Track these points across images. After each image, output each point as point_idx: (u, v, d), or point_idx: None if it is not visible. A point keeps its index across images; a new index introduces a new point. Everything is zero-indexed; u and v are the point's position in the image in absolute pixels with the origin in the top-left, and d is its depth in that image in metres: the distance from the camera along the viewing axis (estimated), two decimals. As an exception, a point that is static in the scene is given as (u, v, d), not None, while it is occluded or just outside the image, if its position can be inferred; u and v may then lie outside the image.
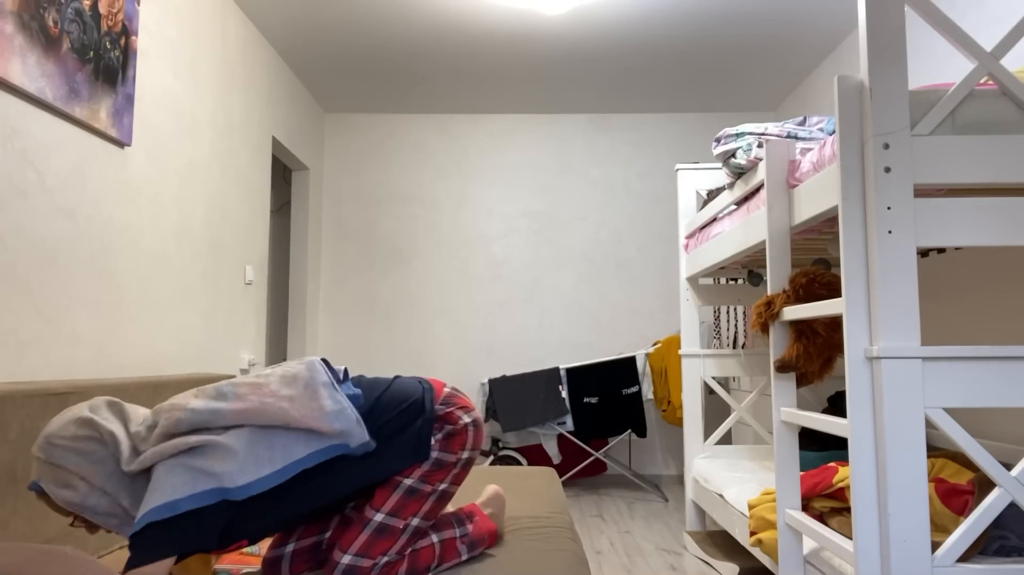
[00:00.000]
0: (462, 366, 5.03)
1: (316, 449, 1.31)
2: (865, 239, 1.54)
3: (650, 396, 4.42)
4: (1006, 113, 1.54)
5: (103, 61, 2.32)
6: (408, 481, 1.41)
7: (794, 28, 3.81)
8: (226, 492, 1.24)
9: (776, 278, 2.03)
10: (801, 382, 2.01)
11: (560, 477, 4.53)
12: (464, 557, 1.50)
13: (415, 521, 1.41)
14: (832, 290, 1.94)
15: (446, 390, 1.51)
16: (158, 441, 1.29)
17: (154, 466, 1.25)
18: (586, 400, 4.36)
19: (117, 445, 1.28)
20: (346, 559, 1.35)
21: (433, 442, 1.43)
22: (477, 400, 4.80)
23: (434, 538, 1.47)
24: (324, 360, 1.43)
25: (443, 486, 1.45)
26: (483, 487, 2.16)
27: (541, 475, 2.39)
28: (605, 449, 4.65)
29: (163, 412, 1.32)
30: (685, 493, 3.41)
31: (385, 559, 1.37)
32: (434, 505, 1.45)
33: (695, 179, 3.49)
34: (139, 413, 1.37)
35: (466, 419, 1.47)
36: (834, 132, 2.03)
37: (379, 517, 1.38)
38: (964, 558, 1.55)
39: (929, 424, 2.59)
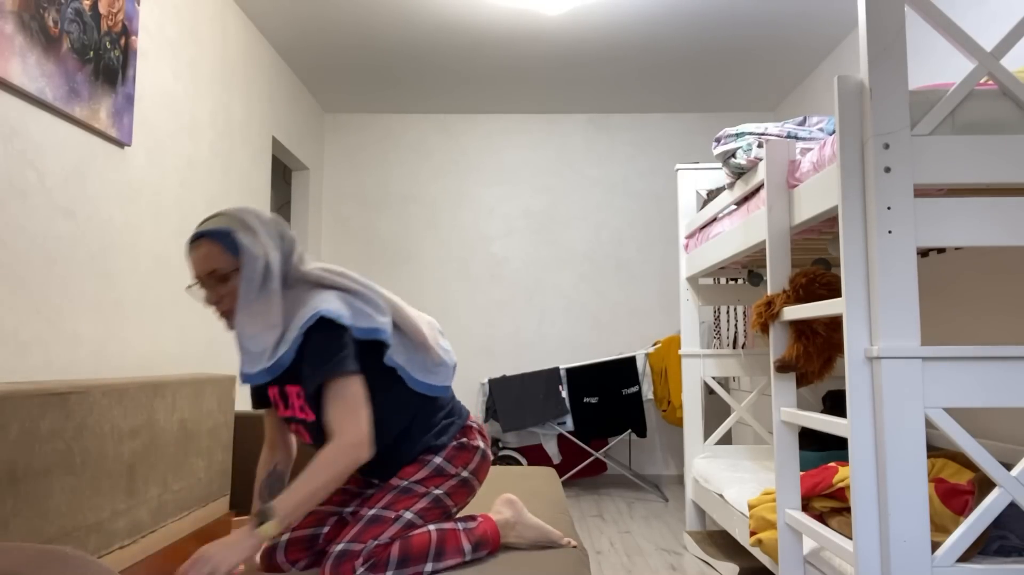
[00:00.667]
0: (462, 366, 5.03)
1: (424, 381, 1.51)
2: (865, 239, 1.54)
3: (650, 396, 4.42)
4: (1006, 113, 1.54)
5: (103, 61, 2.32)
6: (404, 482, 1.47)
7: (794, 28, 3.81)
8: (370, 332, 1.42)
9: (776, 278, 2.03)
10: (801, 382, 2.01)
11: (560, 477, 4.53)
12: (468, 553, 1.45)
13: (407, 514, 1.43)
14: (832, 290, 1.94)
15: (474, 423, 1.64)
16: (325, 272, 1.48)
17: (326, 287, 1.45)
18: (586, 400, 4.36)
19: (293, 246, 1.49)
20: (338, 547, 1.37)
21: (444, 450, 1.53)
22: (477, 400, 4.80)
23: (431, 527, 1.45)
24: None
25: (437, 491, 1.48)
26: (491, 497, 2.17)
27: (541, 475, 2.39)
28: (605, 449, 4.65)
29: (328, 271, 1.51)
30: (685, 493, 3.40)
31: (375, 543, 1.37)
32: (428, 505, 1.46)
33: (695, 179, 3.49)
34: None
35: (480, 444, 1.59)
36: (834, 132, 2.03)
37: (372, 512, 1.42)
38: (964, 558, 1.55)
39: (929, 424, 2.59)
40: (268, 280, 1.42)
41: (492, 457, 1.64)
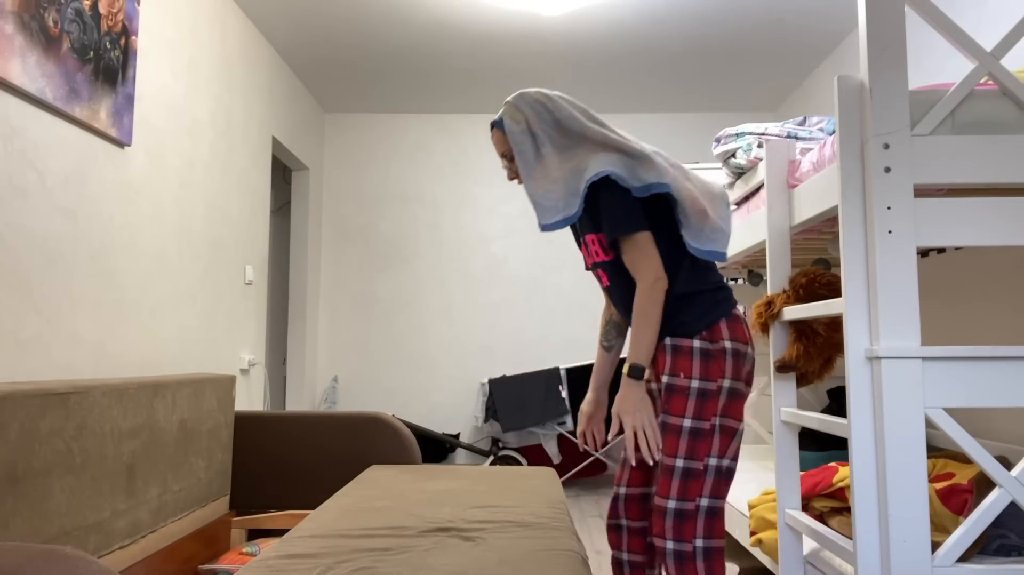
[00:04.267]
0: (462, 366, 5.03)
1: (697, 246, 1.59)
2: (865, 239, 1.54)
3: (650, 396, 4.41)
4: (1006, 113, 1.54)
5: (103, 61, 2.32)
6: (687, 421, 1.53)
7: (794, 28, 3.81)
8: (648, 188, 1.55)
9: (776, 278, 2.03)
10: (801, 382, 2.01)
11: (560, 477, 4.53)
12: None
13: (711, 460, 1.53)
14: (832, 290, 1.94)
15: (738, 312, 1.66)
16: (610, 133, 1.62)
17: (605, 148, 1.59)
18: (586, 400, 4.35)
19: (564, 110, 1.64)
20: (671, 504, 1.51)
21: (696, 363, 1.56)
22: (477, 400, 4.80)
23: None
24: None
25: (716, 420, 1.54)
26: (492, 496, 2.16)
27: (541, 475, 2.39)
28: (605, 449, 4.65)
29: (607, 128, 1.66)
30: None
31: (704, 501, 1.51)
32: (720, 440, 1.53)
33: (695, 179, 3.48)
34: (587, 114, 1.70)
35: (726, 345, 1.59)
36: (834, 132, 2.03)
37: (680, 464, 1.52)
38: (964, 558, 1.55)
39: (929, 424, 2.59)
40: (540, 147, 1.64)
41: (749, 352, 1.62)
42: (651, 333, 1.54)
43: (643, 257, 1.56)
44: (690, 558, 1.48)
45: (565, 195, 1.59)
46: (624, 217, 1.55)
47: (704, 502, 1.51)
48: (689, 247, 1.59)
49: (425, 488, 2.15)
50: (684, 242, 1.61)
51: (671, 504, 1.50)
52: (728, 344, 1.58)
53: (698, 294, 1.62)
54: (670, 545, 1.49)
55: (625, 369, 1.56)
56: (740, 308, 1.68)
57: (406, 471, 2.44)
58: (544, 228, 1.59)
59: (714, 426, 1.53)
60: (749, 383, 1.61)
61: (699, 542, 1.49)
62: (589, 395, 1.81)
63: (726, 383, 1.56)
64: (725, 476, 1.54)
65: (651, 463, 1.54)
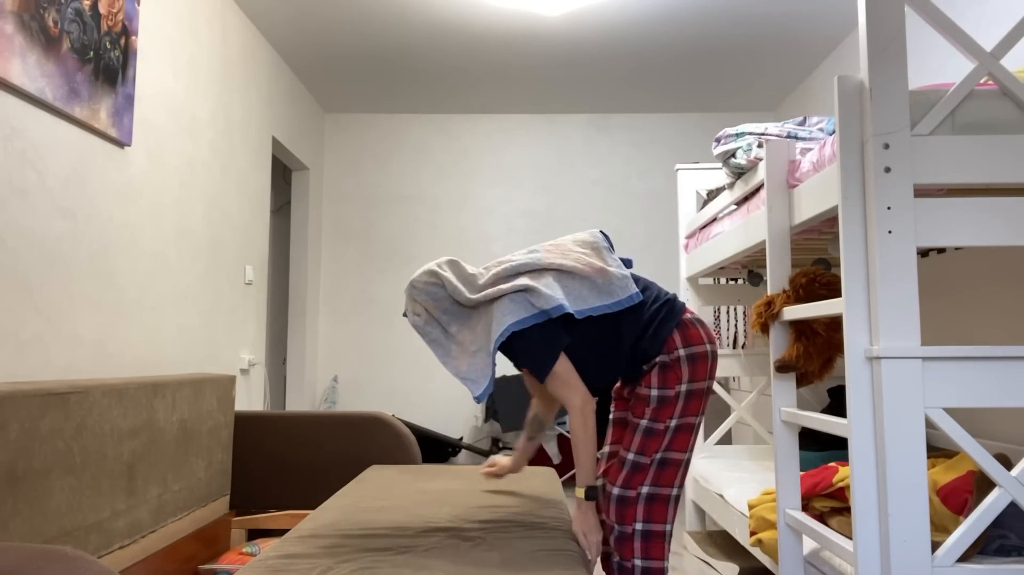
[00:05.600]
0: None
1: (602, 303, 1.71)
2: (865, 239, 1.54)
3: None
4: (1006, 113, 1.54)
5: (103, 61, 2.32)
6: (644, 422, 1.70)
7: (794, 28, 3.81)
8: (547, 314, 1.66)
9: (776, 278, 2.03)
10: (801, 382, 2.01)
11: (560, 477, 4.53)
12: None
13: (659, 455, 1.69)
14: (832, 290, 1.94)
15: (688, 317, 1.76)
16: (494, 280, 1.74)
17: (498, 299, 1.70)
18: (586, 400, 4.35)
19: (453, 286, 1.73)
20: (616, 491, 1.70)
21: (654, 376, 1.71)
22: (477, 400, 4.80)
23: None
24: (602, 231, 1.89)
25: (672, 422, 1.68)
26: (492, 496, 2.17)
27: (541, 475, 2.39)
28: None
29: (493, 267, 1.79)
30: (685, 493, 3.41)
31: (645, 490, 1.68)
32: (671, 438, 1.69)
33: (695, 179, 3.49)
34: (469, 268, 1.82)
35: (680, 353, 1.71)
36: (834, 132, 2.03)
37: (631, 457, 1.70)
38: (964, 558, 1.55)
39: (929, 424, 2.59)
40: (447, 328, 1.75)
41: (707, 349, 1.73)
42: (591, 451, 1.69)
43: (565, 386, 1.68)
44: (629, 539, 1.67)
45: (486, 361, 1.69)
46: (539, 358, 1.68)
47: (645, 490, 1.68)
48: (607, 308, 1.70)
49: (425, 488, 2.15)
50: (606, 312, 1.72)
51: (616, 491, 1.69)
52: (682, 352, 1.71)
53: (645, 329, 1.73)
54: (617, 528, 1.69)
55: (581, 494, 1.70)
56: (689, 313, 1.78)
57: (406, 471, 2.44)
58: (479, 400, 1.66)
59: (668, 427, 1.69)
60: (712, 376, 1.74)
61: (639, 525, 1.67)
62: (513, 457, 2.07)
63: (683, 387, 1.70)
64: (671, 467, 1.70)
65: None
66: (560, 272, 1.73)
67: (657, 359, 1.71)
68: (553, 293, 1.67)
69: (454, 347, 1.74)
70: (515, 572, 1.42)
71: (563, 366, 1.69)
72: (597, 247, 1.82)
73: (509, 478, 2.33)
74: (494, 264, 1.82)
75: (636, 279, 1.82)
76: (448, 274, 1.77)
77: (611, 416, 1.94)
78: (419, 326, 1.76)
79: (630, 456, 1.70)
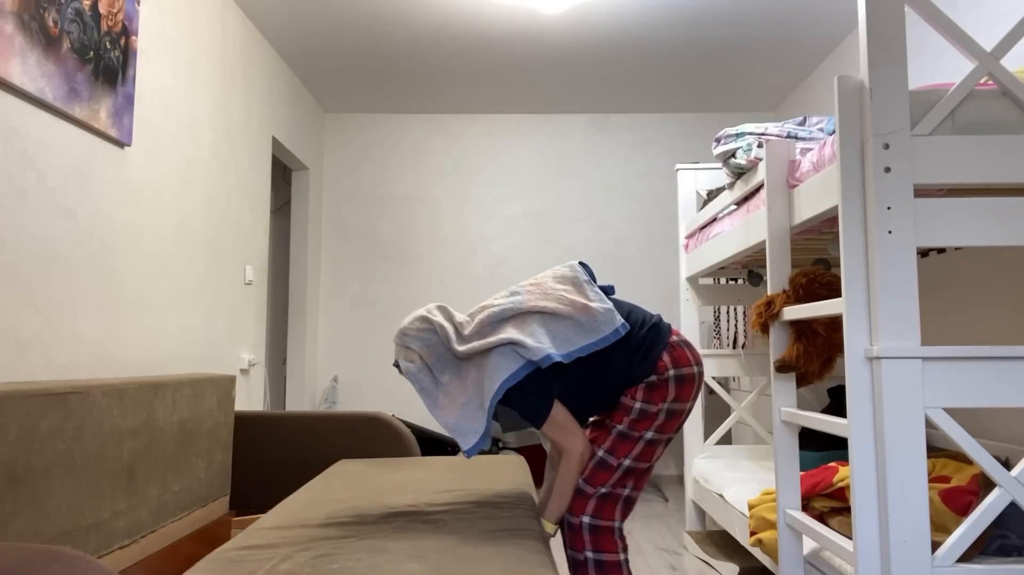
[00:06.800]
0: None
1: (589, 342, 1.70)
2: (865, 239, 1.54)
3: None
4: (1006, 113, 1.54)
5: (103, 61, 2.32)
6: (621, 427, 1.73)
7: (794, 28, 3.81)
8: (536, 364, 1.66)
9: (776, 278, 2.03)
10: (801, 382, 2.01)
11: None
12: None
13: (627, 462, 1.72)
14: (832, 290, 1.94)
15: (674, 339, 1.78)
16: (480, 328, 1.74)
17: (488, 351, 1.70)
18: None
19: (446, 332, 1.75)
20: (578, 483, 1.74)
21: (640, 391, 1.73)
22: (477, 400, 4.80)
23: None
24: (582, 263, 1.88)
25: (648, 434, 1.72)
26: (448, 478, 2.17)
27: (508, 462, 2.41)
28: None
29: (478, 312, 1.80)
30: (685, 493, 3.40)
31: (603, 490, 1.72)
32: (642, 449, 1.72)
33: (695, 179, 3.48)
34: (457, 315, 1.83)
35: (670, 373, 1.73)
36: (834, 132, 2.03)
37: (600, 454, 1.73)
38: (964, 558, 1.55)
39: (929, 424, 2.59)
40: (438, 377, 1.76)
41: (695, 371, 1.75)
42: (570, 493, 1.74)
43: (564, 432, 1.72)
44: (578, 531, 1.72)
45: (476, 414, 1.69)
46: (534, 408, 1.70)
47: (602, 490, 1.72)
48: (594, 346, 1.71)
49: (392, 478, 2.16)
50: (594, 350, 1.73)
51: (578, 483, 1.74)
52: (672, 373, 1.73)
53: (634, 355, 1.75)
54: (565, 516, 1.75)
55: (550, 528, 1.73)
56: (676, 334, 1.80)
57: (375, 464, 2.44)
58: (468, 454, 1.67)
59: (642, 437, 1.72)
60: (695, 397, 1.78)
61: (585, 518, 1.71)
62: (540, 498, 1.95)
63: (666, 406, 1.73)
64: (634, 474, 1.74)
65: None
66: (544, 315, 1.74)
67: (646, 379, 1.74)
68: (540, 343, 1.68)
69: (442, 397, 1.74)
70: (474, 549, 1.42)
71: (561, 413, 1.72)
72: (578, 282, 1.83)
73: (478, 465, 2.34)
74: (478, 310, 1.82)
75: (619, 304, 1.82)
76: (440, 319, 1.78)
77: (592, 419, 1.95)
78: (412, 372, 1.75)
79: (600, 453, 1.73)
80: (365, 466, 2.40)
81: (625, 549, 1.75)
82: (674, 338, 1.78)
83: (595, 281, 1.88)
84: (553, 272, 1.88)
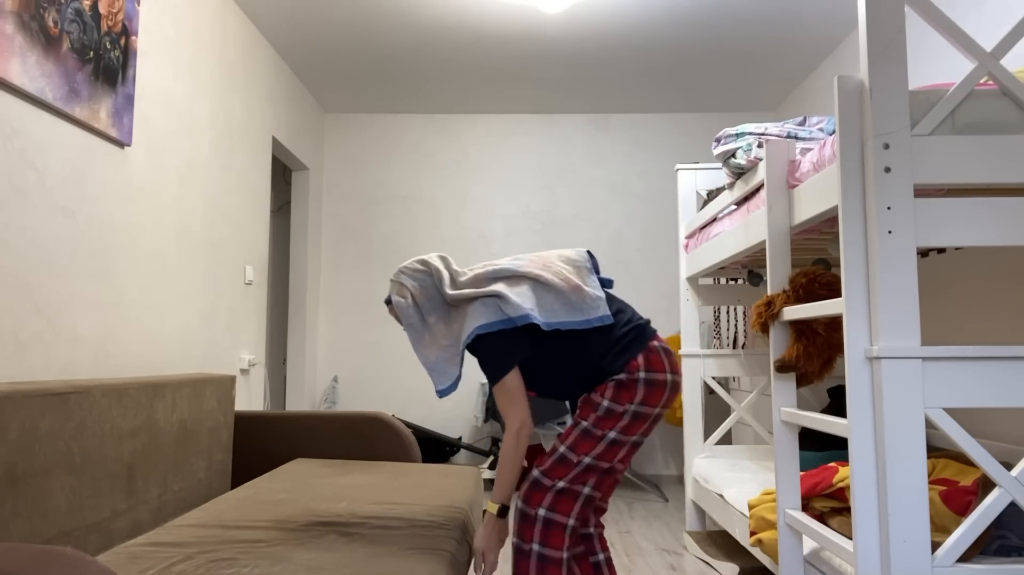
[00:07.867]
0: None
1: (571, 319, 1.72)
2: (865, 239, 1.54)
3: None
4: (1006, 113, 1.54)
5: (103, 61, 2.32)
6: (586, 423, 1.72)
7: (794, 28, 3.81)
8: (512, 321, 1.69)
9: (776, 278, 2.03)
10: (801, 382, 2.01)
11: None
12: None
13: (587, 459, 1.71)
14: (832, 290, 1.94)
15: (655, 345, 1.77)
16: (474, 280, 1.79)
17: (472, 300, 1.74)
18: (586, 400, 4.35)
19: (440, 276, 1.81)
20: (534, 473, 1.74)
21: (608, 390, 1.72)
22: (477, 400, 4.80)
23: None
24: (590, 253, 1.90)
25: (611, 434, 1.71)
26: (393, 487, 2.16)
27: (461, 474, 2.40)
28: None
29: (478, 267, 1.83)
30: (685, 493, 3.41)
31: (561, 483, 1.71)
32: (604, 449, 1.70)
33: (695, 179, 3.49)
34: (456, 266, 1.88)
35: (640, 375, 1.72)
36: (834, 132, 2.03)
37: (562, 449, 1.73)
38: (964, 558, 1.55)
39: (929, 424, 2.59)
40: (426, 317, 1.81)
41: (667, 379, 1.74)
42: (514, 474, 1.73)
43: (510, 401, 1.72)
44: (531, 522, 1.71)
45: (455, 358, 1.75)
46: (495, 363, 1.72)
47: (560, 484, 1.71)
48: (575, 324, 1.72)
49: (337, 483, 2.15)
50: (574, 328, 1.74)
51: (535, 474, 1.74)
52: (642, 375, 1.73)
53: (611, 349, 1.75)
54: (520, 506, 1.74)
55: (494, 509, 1.73)
56: (658, 340, 1.80)
57: (328, 465, 2.44)
58: (441, 394, 1.72)
59: (605, 436, 1.71)
60: (666, 405, 1.77)
61: (542, 511, 1.70)
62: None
63: (632, 407, 1.72)
64: (594, 472, 1.73)
65: None
66: (537, 282, 1.77)
67: (616, 376, 1.74)
68: (523, 302, 1.71)
69: (427, 336, 1.79)
70: (376, 565, 1.41)
71: (514, 381, 1.73)
72: (579, 266, 1.86)
73: (429, 476, 2.35)
74: (479, 266, 1.86)
75: (612, 301, 1.84)
76: (438, 264, 1.84)
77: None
78: (401, 307, 1.81)
79: (561, 448, 1.73)
80: (317, 466, 2.40)
81: (572, 547, 1.75)
82: (654, 343, 1.77)
83: (598, 273, 1.90)
84: (560, 252, 1.91)
